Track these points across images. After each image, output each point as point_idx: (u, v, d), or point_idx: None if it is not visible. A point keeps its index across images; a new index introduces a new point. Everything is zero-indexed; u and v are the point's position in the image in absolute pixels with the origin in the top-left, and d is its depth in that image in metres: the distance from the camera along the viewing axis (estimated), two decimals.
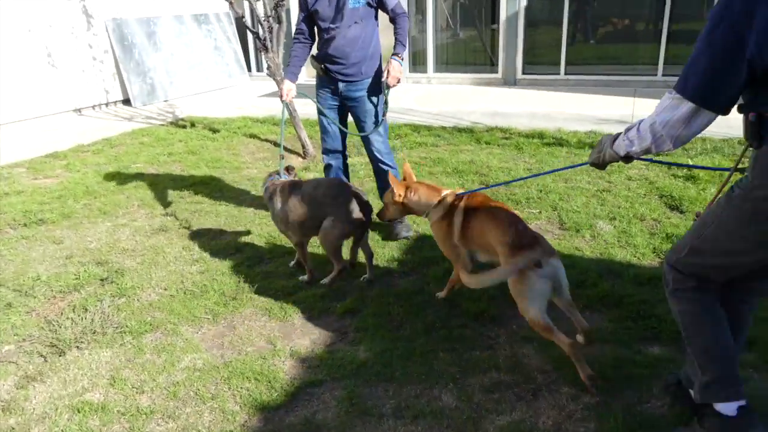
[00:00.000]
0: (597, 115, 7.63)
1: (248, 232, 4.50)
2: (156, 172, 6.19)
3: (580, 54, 9.63)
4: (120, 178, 5.96)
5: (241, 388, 2.74)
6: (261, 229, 4.55)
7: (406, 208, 3.32)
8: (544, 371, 2.74)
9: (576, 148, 6.21)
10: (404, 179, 3.35)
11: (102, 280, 3.86)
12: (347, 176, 4.56)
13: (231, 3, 6.71)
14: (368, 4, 3.93)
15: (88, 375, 2.90)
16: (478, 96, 9.27)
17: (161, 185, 5.71)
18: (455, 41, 10.46)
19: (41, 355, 3.09)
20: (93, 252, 4.30)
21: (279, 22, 6.63)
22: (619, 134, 2.13)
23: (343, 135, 4.37)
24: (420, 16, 10.26)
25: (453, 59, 10.43)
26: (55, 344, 3.15)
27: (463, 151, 6.34)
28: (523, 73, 9.76)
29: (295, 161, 6.76)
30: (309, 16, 4.05)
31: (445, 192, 3.18)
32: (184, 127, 8.23)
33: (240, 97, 10.45)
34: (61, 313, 3.48)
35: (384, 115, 4.17)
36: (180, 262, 4.07)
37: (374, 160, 4.30)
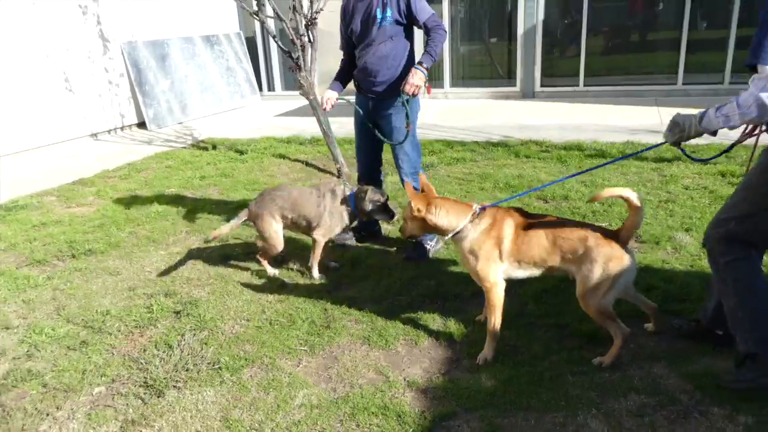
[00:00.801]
0: (627, 126, 7.61)
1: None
2: (194, 197, 6.01)
3: (598, 65, 9.65)
4: (158, 203, 5.77)
5: (370, 424, 2.58)
6: (332, 251, 4.39)
7: (426, 225, 2.99)
8: (686, 391, 2.62)
9: (590, 157, 6.15)
10: (422, 191, 3.10)
11: (176, 312, 3.67)
12: None
13: (263, 22, 6.59)
14: (397, 21, 3.82)
15: (198, 417, 2.72)
16: (501, 109, 9.23)
17: (204, 210, 5.53)
18: (471, 55, 10.44)
19: (138, 397, 2.90)
20: (157, 283, 4.11)
21: (311, 41, 6.52)
22: (703, 113, 2.40)
23: (377, 152, 4.34)
24: None
25: (469, 73, 10.40)
26: (150, 384, 2.97)
27: (506, 166, 6.26)
28: (542, 85, 9.75)
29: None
30: (349, 34, 4.05)
31: (475, 206, 2.96)
32: (206, 149, 8.06)
33: (255, 117, 10.31)
34: (144, 350, 3.29)
35: (407, 126, 4.00)
36: (253, 290, 3.90)
37: (401, 178, 4.29)
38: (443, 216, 2.95)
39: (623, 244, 2.71)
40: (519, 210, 2.99)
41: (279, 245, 4.00)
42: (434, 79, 10.43)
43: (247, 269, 4.22)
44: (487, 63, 10.40)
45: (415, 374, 2.93)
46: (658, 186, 5.27)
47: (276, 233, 3.97)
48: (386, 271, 4.01)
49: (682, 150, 2.73)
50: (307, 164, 7.06)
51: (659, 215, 4.59)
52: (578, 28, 9.43)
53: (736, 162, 5.70)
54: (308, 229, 4.00)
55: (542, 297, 3.48)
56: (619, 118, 8.05)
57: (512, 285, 3.60)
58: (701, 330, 2.95)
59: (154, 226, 5.22)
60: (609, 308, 2.75)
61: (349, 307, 3.58)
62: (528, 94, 9.81)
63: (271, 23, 6.70)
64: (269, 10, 6.68)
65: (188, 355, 3.19)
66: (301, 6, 6.35)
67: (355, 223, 4.20)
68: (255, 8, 6.63)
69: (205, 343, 3.31)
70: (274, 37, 6.58)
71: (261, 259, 4.12)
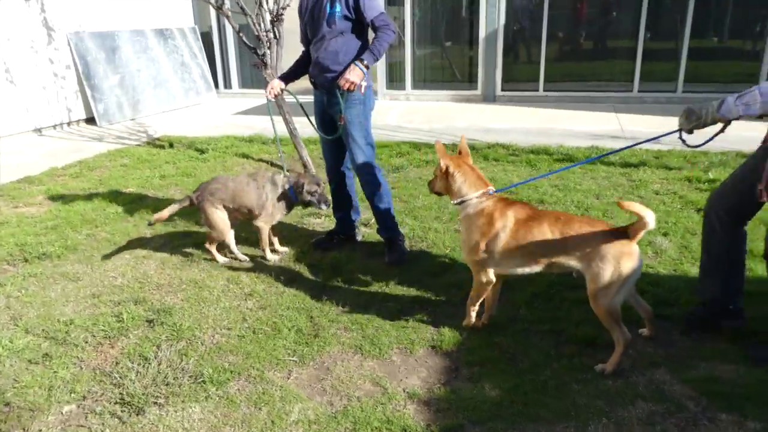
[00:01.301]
0: (590, 131, 7.73)
1: (294, 258, 4.17)
2: (155, 197, 5.70)
3: (558, 71, 9.80)
4: (116, 204, 5.44)
5: None
6: (309, 255, 4.22)
7: (449, 185, 3.07)
8: (691, 397, 2.61)
9: (588, 163, 6.22)
10: (460, 153, 3.14)
11: (149, 321, 3.43)
12: (352, 193, 4.42)
13: (227, 17, 6.33)
14: (346, 17, 3.71)
15: None
16: (464, 113, 9.24)
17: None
18: (433, 58, 10.41)
19: (115, 416, 2.66)
20: (123, 289, 3.84)
21: (277, 37, 6.31)
22: (722, 101, 2.55)
23: (339, 148, 4.15)
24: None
25: (431, 76, 10.37)
26: (127, 401, 2.73)
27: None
28: (503, 90, 9.82)
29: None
30: (304, 28, 3.99)
31: (490, 188, 3.01)
32: (162, 147, 7.70)
33: (212, 115, 9.96)
34: (117, 363, 3.04)
35: (340, 120, 3.83)
36: (231, 297, 3.69)
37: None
38: (460, 180, 3.01)
39: (632, 241, 2.67)
40: (526, 204, 2.99)
41: (225, 231, 4.12)
42: (395, 80, 10.37)
43: (221, 275, 4.00)
44: (449, 66, 10.39)
45: (415, 385, 2.81)
46: (628, 191, 5.34)
47: (221, 219, 4.08)
48: (369, 276, 3.88)
49: (683, 140, 2.87)
50: (272, 164, 6.83)
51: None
52: (538, 34, 9.55)
53: (700, 168, 5.86)
54: (250, 217, 4.14)
55: (534, 302, 3.43)
56: (580, 124, 8.17)
57: (503, 291, 3.57)
58: (713, 312, 3.06)
59: (114, 227, 4.90)
60: (618, 309, 2.72)
61: (337, 314, 3.42)
62: (489, 98, 9.86)
63: (235, 18, 6.43)
64: (233, 4, 6.46)
65: (167, 367, 2.97)
66: (267, 1, 6.15)
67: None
68: (219, 2, 6.36)
69: (185, 355, 3.09)
70: (238, 32, 6.32)
71: (209, 247, 4.19)
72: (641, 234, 2.67)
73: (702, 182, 5.40)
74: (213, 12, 10.91)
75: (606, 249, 2.66)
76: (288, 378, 2.90)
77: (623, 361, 2.81)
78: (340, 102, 3.77)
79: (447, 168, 3.04)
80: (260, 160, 6.99)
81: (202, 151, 7.30)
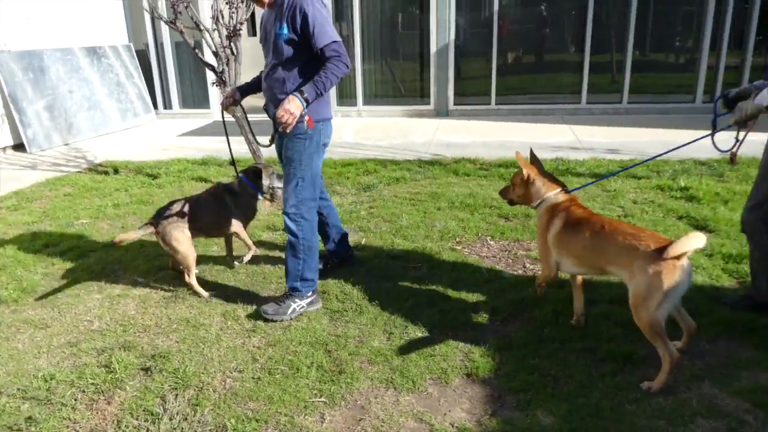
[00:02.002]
0: (548, 143, 7.85)
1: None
2: (112, 227, 5.24)
3: (508, 84, 9.94)
4: (70, 238, 4.95)
5: None
6: None
7: (527, 193, 3.27)
8: (747, 410, 2.56)
9: (559, 175, 6.26)
10: (532, 162, 3.31)
11: (145, 369, 3.06)
12: (328, 220, 4.03)
13: (181, 32, 5.97)
14: (291, 40, 3.21)
15: None
16: (419, 128, 9.18)
17: (132, 243, 4.80)
18: (385, 73, 10.32)
19: None
20: (104, 334, 3.43)
21: (234, 53, 6.02)
22: (756, 94, 2.83)
23: None
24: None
25: (382, 91, 10.27)
26: None
27: (451, 184, 6.13)
28: (455, 104, 9.86)
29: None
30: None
31: (558, 189, 3.21)
32: (107, 173, 7.15)
33: (155, 137, 9.40)
34: (119, 422, 2.67)
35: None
36: (231, 334, 3.37)
37: None
38: (539, 187, 3.21)
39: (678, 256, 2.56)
40: (578, 207, 3.08)
41: (192, 253, 3.87)
42: (346, 96, 10.19)
43: (213, 310, 3.66)
44: (400, 81, 10.33)
45: (461, 418, 2.62)
46: (607, 201, 5.39)
47: (187, 240, 3.85)
48: (380, 301, 3.65)
49: (713, 140, 3.23)
50: None
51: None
52: (489, 48, 9.67)
53: (667, 176, 6.02)
54: (220, 231, 4.14)
55: (558, 320, 3.31)
56: (538, 136, 8.29)
57: (525, 309, 3.45)
58: (758, 303, 3.28)
59: (75, 265, 4.43)
60: (661, 323, 2.63)
61: (355, 346, 3.18)
62: (442, 113, 9.86)
63: (215, 36, 6.00)
64: (186, 19, 6.09)
65: (182, 421, 2.64)
66: (222, 16, 5.85)
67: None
68: (172, 17, 5.98)
69: (197, 405, 2.75)
70: (194, 49, 5.97)
71: (188, 281, 3.87)
72: (680, 250, 2.56)
73: (674, 190, 5.53)
74: (149, 28, 10.36)
75: (647, 262, 2.60)
76: (322, 422, 2.63)
77: (669, 379, 2.73)
78: (272, 132, 3.38)
79: (529, 176, 3.23)
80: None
81: (154, 177, 6.83)
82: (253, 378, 2.95)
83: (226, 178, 6.76)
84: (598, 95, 9.57)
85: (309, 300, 3.56)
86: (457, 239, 4.64)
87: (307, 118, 3.23)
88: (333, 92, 10.09)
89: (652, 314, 2.62)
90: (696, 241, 2.53)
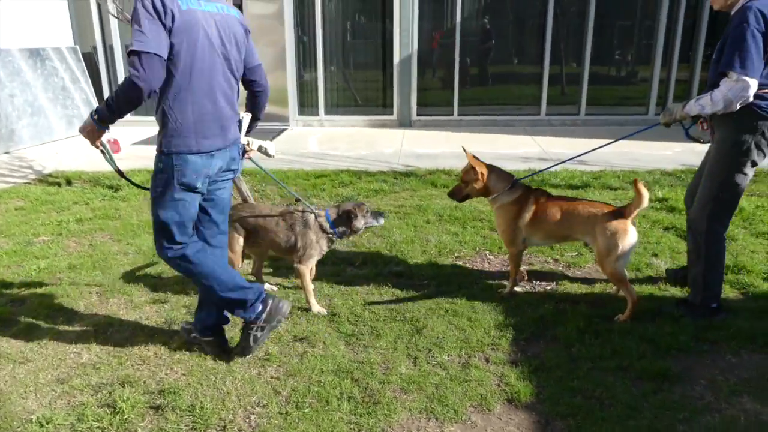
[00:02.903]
0: (516, 154, 7.91)
1: (296, 307, 3.65)
2: (81, 245, 4.82)
3: (470, 96, 9.98)
4: (33, 258, 4.52)
5: None
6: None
7: (482, 188, 3.69)
8: None
9: (535, 185, 6.28)
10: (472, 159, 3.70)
11: (155, 408, 2.76)
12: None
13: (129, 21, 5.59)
14: None
15: None
16: (385, 138, 9.06)
17: (106, 262, 4.44)
18: (346, 83, 10.14)
19: None
20: (98, 368, 3.09)
21: None
22: (686, 102, 3.23)
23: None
24: (310, 58, 9.79)
25: (344, 101, 10.09)
26: None
27: (433, 197, 6.04)
28: (418, 114, 9.80)
29: None
30: None
31: (511, 180, 3.68)
32: (59, 185, 6.64)
33: None
34: None
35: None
36: (244, 364, 3.11)
37: None
38: (493, 180, 3.67)
39: (628, 219, 3.34)
40: (542, 191, 3.70)
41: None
42: (307, 105, 9.95)
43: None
44: (363, 91, 10.19)
45: None
46: None
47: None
48: (395, 322, 3.49)
49: (685, 129, 3.52)
50: None
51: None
52: (451, 59, 9.68)
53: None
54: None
55: (583, 338, 3.25)
56: (505, 147, 8.34)
57: (547, 327, 3.37)
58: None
59: (45, 289, 4.02)
60: (623, 272, 3.40)
61: (383, 373, 3.00)
62: (405, 123, 9.79)
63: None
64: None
65: None
66: None
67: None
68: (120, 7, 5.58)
69: None
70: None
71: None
72: (636, 212, 3.34)
73: (653, 201, 5.65)
74: (97, 29, 9.76)
75: (606, 225, 3.36)
76: None
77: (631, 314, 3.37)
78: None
79: (483, 173, 3.67)
80: None
81: (115, 189, 6.38)
82: (280, 413, 2.72)
83: None
84: (557, 107, 9.76)
85: (260, 318, 3.05)
86: (456, 254, 4.54)
87: (111, 140, 2.95)
88: (294, 101, 9.84)
89: (614, 265, 3.37)
90: (643, 201, 3.26)
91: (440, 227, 5.10)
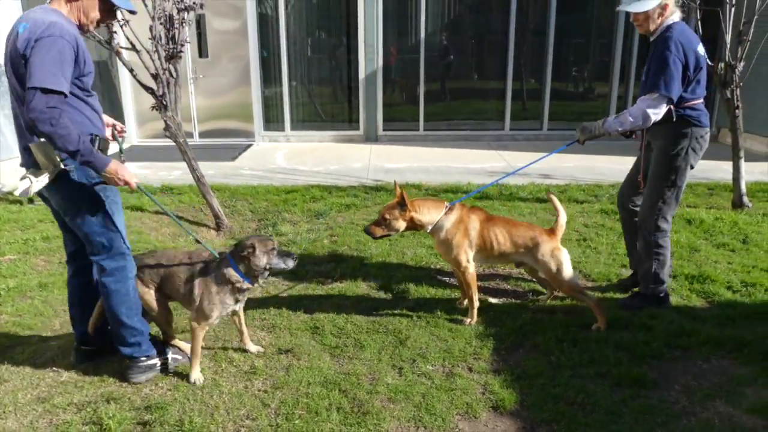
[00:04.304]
0: (484, 168, 8.07)
1: (273, 321, 3.65)
2: (49, 263, 4.72)
3: (436, 111, 10.15)
4: (1, 276, 4.40)
5: None
6: (290, 317, 3.73)
7: (411, 223, 3.59)
8: (767, 427, 2.70)
9: (506, 200, 6.45)
10: (401, 196, 3.53)
11: (143, 424, 2.73)
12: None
13: (118, 53, 5.56)
14: None
15: None
16: (353, 153, 9.12)
17: None
18: (311, 98, 10.18)
19: None
20: (80, 386, 3.04)
21: (174, 76, 5.70)
22: (605, 119, 3.57)
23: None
24: (275, 72, 9.80)
25: (310, 116, 10.12)
26: None
27: None
28: (384, 129, 9.91)
29: (207, 235, 5.79)
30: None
31: (446, 203, 3.65)
32: (20, 203, 6.45)
33: None
34: None
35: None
36: (229, 378, 3.11)
37: None
38: (426, 213, 3.58)
39: (557, 237, 3.58)
40: (480, 209, 3.72)
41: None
42: (273, 121, 9.94)
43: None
44: (328, 105, 10.24)
45: None
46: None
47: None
48: (378, 334, 3.53)
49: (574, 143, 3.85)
50: (178, 217, 6.05)
51: (588, 253, 4.86)
52: (416, 75, 9.84)
53: (605, 200, 6.37)
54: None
55: (562, 347, 3.35)
56: (471, 161, 8.50)
57: (527, 336, 3.47)
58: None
59: (16, 307, 3.93)
60: (576, 282, 3.64)
61: (370, 384, 3.04)
62: (371, 138, 9.88)
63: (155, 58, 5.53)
64: (122, 40, 5.69)
65: None
66: (161, 37, 5.52)
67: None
68: (107, 37, 5.53)
69: None
70: (131, 71, 5.58)
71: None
72: (560, 232, 3.60)
73: (617, 214, 5.84)
74: None
75: (543, 246, 3.56)
76: None
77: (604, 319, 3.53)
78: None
79: (410, 208, 3.54)
80: (158, 212, 6.16)
81: None
82: (270, 425, 2.72)
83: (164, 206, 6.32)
84: (520, 122, 10.02)
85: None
86: (432, 267, 4.62)
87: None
88: (259, 117, 9.82)
89: (568, 279, 3.54)
90: (563, 219, 3.61)
91: (415, 240, 5.18)
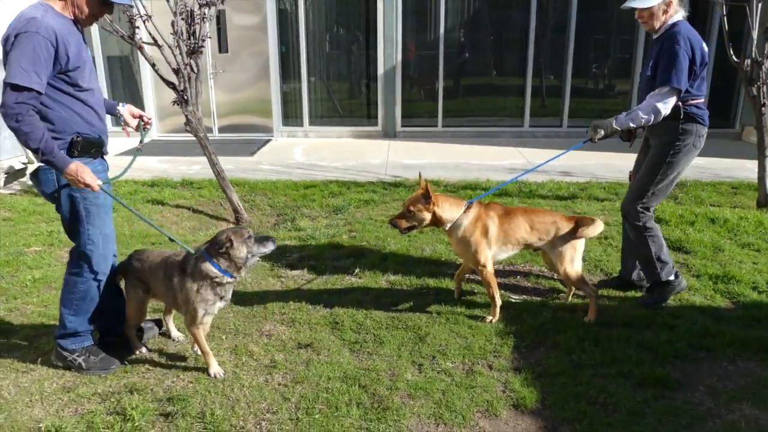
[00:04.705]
0: (503, 165, 8.04)
1: (293, 313, 3.67)
2: None
3: (454, 107, 10.12)
4: (27, 267, 4.47)
5: None
6: (307, 312, 3.75)
7: (434, 219, 3.58)
8: None
9: (526, 197, 6.41)
10: (426, 189, 3.52)
11: (165, 415, 2.76)
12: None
13: (140, 48, 5.60)
14: None
15: None
16: (371, 149, 9.13)
17: None
18: (330, 94, 10.20)
19: None
20: (103, 376, 3.07)
21: (195, 71, 5.73)
22: (617, 117, 3.60)
23: None
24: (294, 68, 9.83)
25: (328, 112, 10.14)
26: None
27: None
28: (402, 125, 9.90)
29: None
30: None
31: (465, 202, 3.66)
32: None
33: None
34: None
35: None
36: (250, 371, 3.13)
37: None
38: (447, 209, 3.57)
39: (581, 225, 3.57)
40: (496, 204, 3.75)
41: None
42: (291, 116, 9.98)
43: (220, 346, 3.38)
44: (347, 101, 10.25)
45: None
46: None
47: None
48: (397, 330, 3.53)
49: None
50: (194, 211, 6.11)
51: (609, 251, 4.81)
52: (435, 71, 9.81)
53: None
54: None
55: (583, 346, 3.33)
56: (490, 158, 8.47)
57: (547, 334, 3.45)
58: (623, 282, 4.12)
59: (41, 298, 3.99)
60: (582, 274, 3.64)
61: (390, 380, 3.04)
62: (390, 134, 9.87)
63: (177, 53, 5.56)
64: (145, 35, 5.73)
65: None
66: (182, 32, 5.55)
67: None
68: (130, 32, 5.57)
69: None
70: (153, 65, 5.62)
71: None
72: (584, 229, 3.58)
73: None
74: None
75: (563, 232, 3.58)
76: None
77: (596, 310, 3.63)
78: None
79: (434, 202, 3.53)
80: (178, 206, 6.21)
81: None
82: (290, 419, 2.74)
83: (182, 199, 6.39)
84: (540, 119, 9.95)
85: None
86: (452, 263, 4.60)
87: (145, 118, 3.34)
88: (278, 112, 9.86)
89: (576, 269, 3.60)
90: (597, 229, 3.58)
91: (434, 237, 5.16)
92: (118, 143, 8.78)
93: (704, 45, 3.53)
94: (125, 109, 3.27)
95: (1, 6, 6.66)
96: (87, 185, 2.76)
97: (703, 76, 3.56)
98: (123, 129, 3.31)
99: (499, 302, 3.66)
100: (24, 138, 2.62)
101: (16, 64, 2.57)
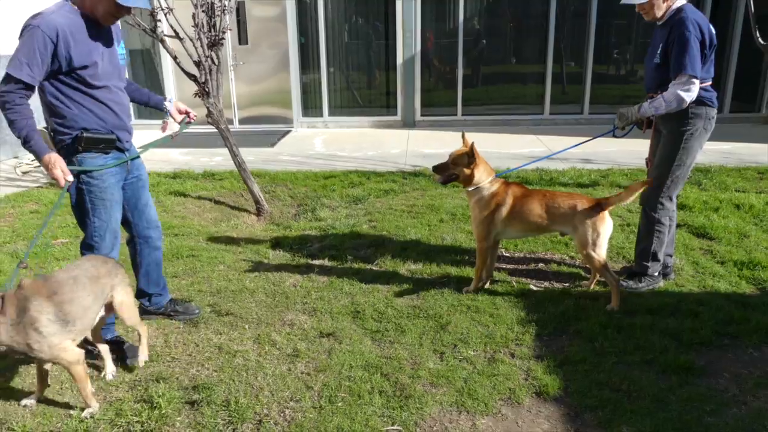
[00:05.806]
0: (524, 153, 7.98)
1: (312, 304, 3.70)
2: None
3: (474, 96, 10.06)
4: (53, 260, 4.56)
5: None
6: (328, 301, 3.78)
7: (467, 176, 3.73)
8: None
9: (547, 184, 6.36)
10: (470, 147, 3.71)
11: (191, 403, 2.81)
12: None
13: (162, 41, 5.65)
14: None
15: None
16: (391, 139, 9.12)
17: (128, 265, 4.45)
18: (351, 84, 10.20)
19: None
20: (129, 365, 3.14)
21: (216, 63, 5.76)
22: (640, 105, 3.61)
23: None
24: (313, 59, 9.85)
25: (348, 103, 10.15)
26: None
27: (444, 196, 6.09)
28: (422, 115, 9.87)
29: (248, 220, 5.89)
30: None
31: (492, 175, 3.77)
32: None
33: None
34: None
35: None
36: (272, 360, 3.16)
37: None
38: (483, 172, 3.73)
39: (605, 209, 3.53)
40: (519, 185, 3.80)
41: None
42: (311, 107, 10.01)
43: (242, 336, 3.43)
44: (367, 92, 10.25)
45: None
46: None
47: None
48: (418, 319, 3.55)
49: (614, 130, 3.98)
50: (216, 202, 6.18)
51: (632, 239, 4.74)
52: (454, 59, 9.75)
53: None
54: None
55: (606, 333, 3.31)
56: (510, 146, 8.41)
57: (569, 322, 3.43)
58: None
59: None
60: (605, 258, 3.57)
61: (412, 368, 3.05)
62: (409, 123, 9.86)
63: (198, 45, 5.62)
64: (166, 28, 5.77)
65: None
66: (203, 24, 5.58)
67: None
68: (152, 25, 5.63)
69: None
70: (175, 58, 5.66)
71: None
72: (613, 206, 3.56)
73: None
74: None
75: (586, 216, 3.55)
76: None
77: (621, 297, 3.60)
78: None
79: (477, 162, 3.70)
80: (200, 198, 6.28)
81: None
82: (314, 407, 2.77)
83: (205, 191, 6.46)
84: (560, 106, 9.84)
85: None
86: (472, 252, 4.59)
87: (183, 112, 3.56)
88: (297, 103, 9.89)
89: (598, 253, 3.54)
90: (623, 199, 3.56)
91: (454, 226, 5.16)
92: (147, 135, 8.90)
93: (711, 26, 3.51)
94: (172, 105, 3.45)
95: (1, 6, 6.72)
96: (54, 178, 2.84)
97: (711, 58, 3.55)
98: (163, 124, 3.42)
99: (479, 275, 3.84)
100: (10, 125, 2.75)
101: (15, 54, 2.71)
